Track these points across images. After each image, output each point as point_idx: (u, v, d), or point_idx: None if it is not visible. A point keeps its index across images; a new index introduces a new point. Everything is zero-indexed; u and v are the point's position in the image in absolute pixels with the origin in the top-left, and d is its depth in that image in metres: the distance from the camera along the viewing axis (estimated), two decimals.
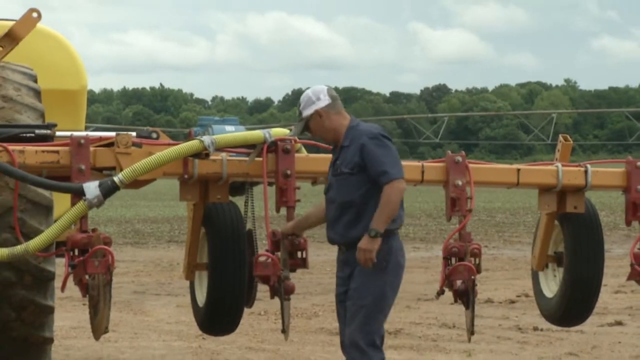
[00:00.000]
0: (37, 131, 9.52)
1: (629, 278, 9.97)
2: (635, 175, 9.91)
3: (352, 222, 8.59)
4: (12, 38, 9.50)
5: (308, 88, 9.16)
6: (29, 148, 9.09)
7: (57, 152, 9.11)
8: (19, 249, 9.02)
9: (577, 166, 10.01)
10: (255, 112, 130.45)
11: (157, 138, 9.66)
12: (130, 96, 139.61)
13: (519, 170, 10.06)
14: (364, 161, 8.56)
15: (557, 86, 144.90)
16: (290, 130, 9.49)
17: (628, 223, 10.05)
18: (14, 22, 9.58)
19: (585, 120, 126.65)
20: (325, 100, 8.79)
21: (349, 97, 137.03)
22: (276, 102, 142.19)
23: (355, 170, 8.58)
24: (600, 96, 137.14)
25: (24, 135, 9.39)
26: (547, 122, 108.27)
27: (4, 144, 9.01)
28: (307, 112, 8.80)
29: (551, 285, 10.42)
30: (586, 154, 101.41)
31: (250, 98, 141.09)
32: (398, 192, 8.50)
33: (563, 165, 9.94)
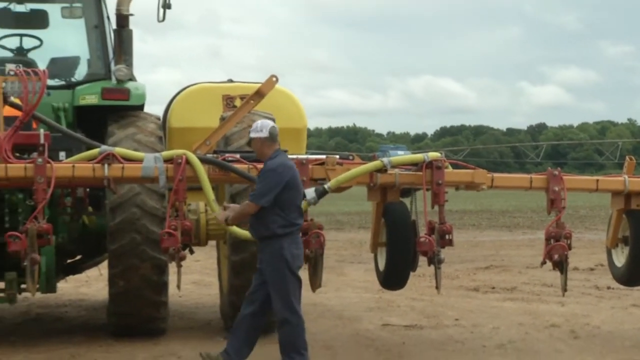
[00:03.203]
0: None
1: None
2: None
3: (258, 224, 8.27)
4: (259, 95, 9.59)
5: (259, 119, 9.09)
6: None
7: None
8: None
9: (638, 177, 9.80)
10: (416, 142, 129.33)
11: (353, 159, 9.67)
12: (333, 132, 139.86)
13: (597, 180, 9.89)
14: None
15: (621, 123, 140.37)
16: (441, 153, 9.42)
17: None
18: (260, 84, 9.68)
19: None
20: (264, 134, 8.40)
21: (478, 132, 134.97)
22: (429, 135, 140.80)
23: None
24: None
25: None
26: (614, 148, 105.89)
27: (254, 163, 9.12)
28: (252, 135, 8.46)
29: (620, 258, 10.17)
30: None
31: (412, 132, 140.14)
32: (249, 209, 8.19)
33: (629, 177, 9.74)
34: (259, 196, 8.16)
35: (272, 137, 8.43)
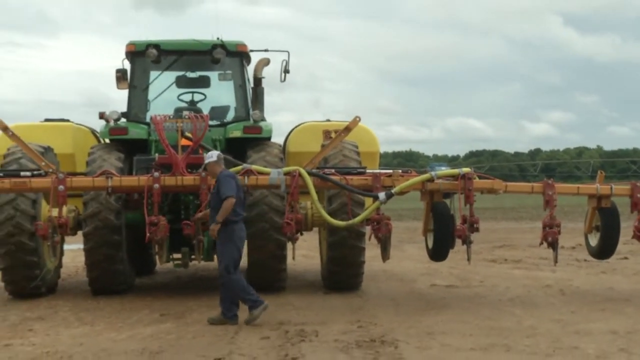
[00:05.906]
0: (357, 170, 9.54)
1: (633, 237, 9.47)
2: (635, 189, 9.41)
3: (214, 217, 7.87)
4: (347, 130, 9.54)
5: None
6: (355, 177, 9.11)
7: (366, 179, 9.12)
8: (350, 222, 9.06)
9: (607, 185, 9.50)
10: (452, 161, 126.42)
11: (411, 173, 9.53)
12: (396, 155, 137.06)
13: (578, 187, 9.64)
14: (217, 187, 7.94)
15: (593, 148, 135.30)
16: (471, 169, 9.22)
17: (632, 211, 9.48)
18: (348, 122, 9.60)
19: (606, 163, 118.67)
20: (213, 159, 8.10)
21: (494, 154, 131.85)
22: (462, 156, 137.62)
23: (215, 192, 7.96)
24: (615, 154, 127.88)
25: (352, 172, 9.42)
26: (588, 165, 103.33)
27: (344, 175, 9.05)
28: (206, 161, 8.19)
29: (593, 240, 9.87)
30: (608, 180, 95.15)
31: (449, 154, 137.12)
32: (228, 204, 7.70)
33: (600, 185, 9.47)
34: (229, 191, 7.82)
35: (219, 161, 8.20)
